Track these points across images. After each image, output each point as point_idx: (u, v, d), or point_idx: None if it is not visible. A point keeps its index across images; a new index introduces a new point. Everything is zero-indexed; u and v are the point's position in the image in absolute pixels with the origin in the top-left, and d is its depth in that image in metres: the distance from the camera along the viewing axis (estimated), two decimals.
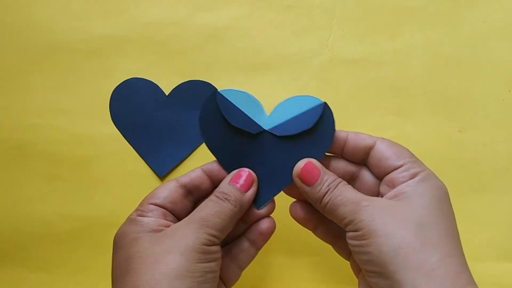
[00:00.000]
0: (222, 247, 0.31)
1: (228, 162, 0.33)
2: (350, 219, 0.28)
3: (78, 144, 0.45)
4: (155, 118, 0.45)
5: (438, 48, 0.45)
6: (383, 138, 0.32)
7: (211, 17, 0.46)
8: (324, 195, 0.30)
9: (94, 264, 0.45)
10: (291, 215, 0.34)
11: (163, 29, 0.46)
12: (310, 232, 0.35)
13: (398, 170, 0.30)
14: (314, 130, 0.32)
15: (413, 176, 0.29)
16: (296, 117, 0.32)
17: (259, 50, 0.46)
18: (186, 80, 0.45)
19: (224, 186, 0.31)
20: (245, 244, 0.34)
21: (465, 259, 0.27)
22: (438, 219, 0.27)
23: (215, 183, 0.33)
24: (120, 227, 0.30)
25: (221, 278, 0.32)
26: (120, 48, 0.46)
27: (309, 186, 0.31)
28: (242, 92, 0.33)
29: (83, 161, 0.45)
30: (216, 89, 0.33)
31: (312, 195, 0.31)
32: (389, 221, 0.27)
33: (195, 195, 0.33)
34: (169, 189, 0.32)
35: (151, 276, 0.26)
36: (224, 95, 0.32)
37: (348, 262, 0.34)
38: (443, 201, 0.29)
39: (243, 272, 0.34)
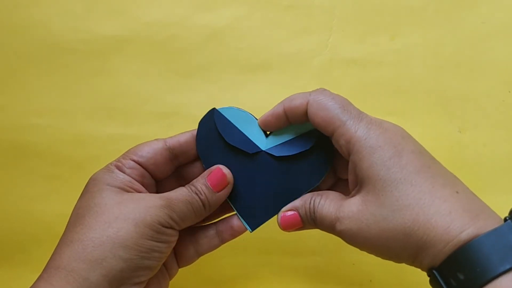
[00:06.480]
0: (187, 228, 0.31)
1: None
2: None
3: (78, 144, 0.45)
4: None
5: (438, 48, 0.45)
6: (314, 97, 0.29)
7: (211, 17, 0.46)
8: (314, 222, 0.30)
9: None
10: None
11: (163, 29, 0.46)
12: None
13: (333, 141, 0.29)
14: (312, 154, 0.32)
15: (349, 150, 0.28)
16: (294, 139, 0.32)
17: (259, 50, 0.45)
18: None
19: (198, 182, 0.30)
20: (211, 232, 0.33)
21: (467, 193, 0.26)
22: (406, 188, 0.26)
23: None
24: (97, 172, 0.30)
25: (176, 256, 0.32)
26: (120, 48, 0.46)
27: (302, 227, 0.31)
28: (242, 111, 0.32)
29: (83, 161, 0.45)
30: (215, 108, 0.32)
31: (309, 228, 0.31)
32: (368, 237, 0.26)
33: (181, 160, 0.32)
34: (155, 150, 0.31)
35: (98, 235, 0.26)
36: (222, 113, 0.32)
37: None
38: (396, 154, 0.27)
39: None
